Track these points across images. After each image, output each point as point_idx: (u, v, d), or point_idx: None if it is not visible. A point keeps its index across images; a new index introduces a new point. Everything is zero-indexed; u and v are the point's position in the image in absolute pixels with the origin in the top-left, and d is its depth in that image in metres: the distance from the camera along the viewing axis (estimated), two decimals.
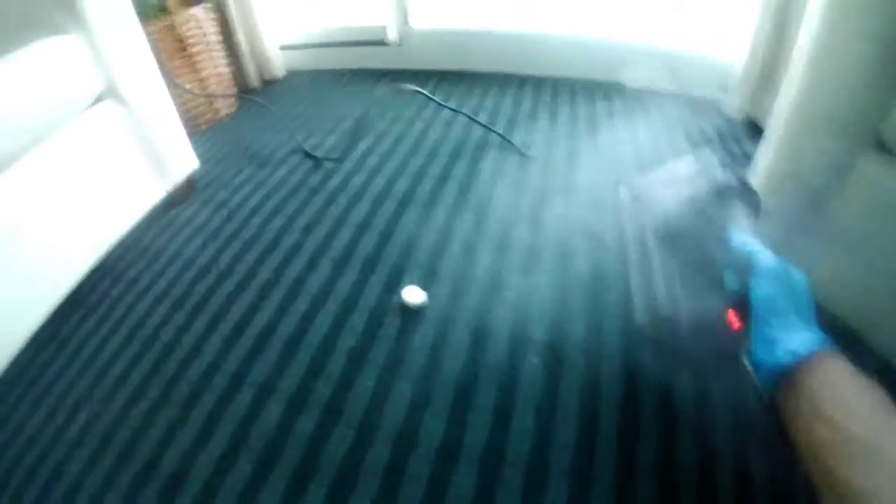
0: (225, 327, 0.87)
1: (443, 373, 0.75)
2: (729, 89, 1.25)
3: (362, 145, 1.32)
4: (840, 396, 0.38)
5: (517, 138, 1.24)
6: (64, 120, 0.90)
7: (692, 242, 0.58)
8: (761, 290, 0.46)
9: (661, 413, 0.66)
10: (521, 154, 1.18)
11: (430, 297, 0.86)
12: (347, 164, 1.25)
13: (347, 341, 0.81)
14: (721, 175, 0.59)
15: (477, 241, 0.96)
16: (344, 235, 1.03)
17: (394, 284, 0.90)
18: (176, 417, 0.75)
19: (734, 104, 1.24)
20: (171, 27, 1.37)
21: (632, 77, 1.38)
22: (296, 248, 1.01)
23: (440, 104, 1.39)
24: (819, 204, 0.70)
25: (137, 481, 0.68)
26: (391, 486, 0.62)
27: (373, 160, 1.25)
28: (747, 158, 1.06)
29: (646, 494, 0.59)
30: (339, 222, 1.06)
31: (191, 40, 1.43)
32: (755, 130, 1.19)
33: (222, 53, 1.59)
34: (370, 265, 0.95)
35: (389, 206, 1.09)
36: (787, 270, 0.46)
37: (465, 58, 1.63)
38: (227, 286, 0.95)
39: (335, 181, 1.20)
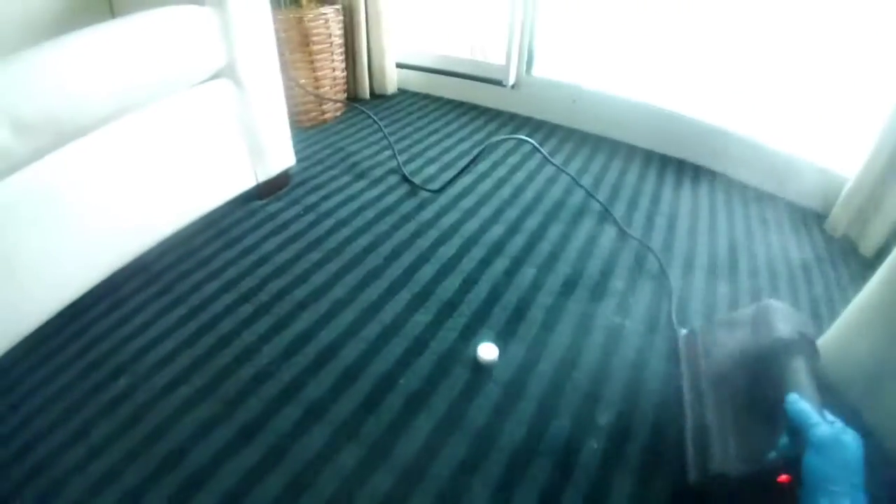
0: (288, 334, 0.83)
1: (501, 439, 0.69)
2: (835, 205, 1.16)
3: (461, 182, 1.28)
4: None
5: (617, 210, 1.17)
6: (180, 87, 0.89)
7: (747, 398, 0.60)
8: (812, 461, 0.47)
9: None
10: (620, 229, 1.11)
11: (503, 356, 0.80)
12: (443, 199, 1.21)
13: (411, 382, 0.76)
14: (784, 328, 0.60)
15: (560, 313, 0.89)
16: (427, 271, 0.98)
17: (468, 335, 0.84)
18: (217, 414, 0.71)
19: (835, 223, 1.16)
20: (300, 20, 1.39)
21: (740, 171, 1.34)
22: (376, 273, 0.97)
23: (546, 158, 1.34)
24: None
25: (158, 467, 0.64)
26: None
27: (469, 200, 1.21)
28: (840, 288, 1.00)
29: None
30: (425, 257, 1.01)
31: (315, 38, 1.45)
32: (852, 253, 1.11)
33: (342, 57, 1.61)
34: (449, 308, 0.89)
35: (478, 252, 1.03)
36: (840, 440, 0.47)
37: (578, 116, 1.58)
38: (300, 293, 0.92)
39: (428, 213, 1.16)
